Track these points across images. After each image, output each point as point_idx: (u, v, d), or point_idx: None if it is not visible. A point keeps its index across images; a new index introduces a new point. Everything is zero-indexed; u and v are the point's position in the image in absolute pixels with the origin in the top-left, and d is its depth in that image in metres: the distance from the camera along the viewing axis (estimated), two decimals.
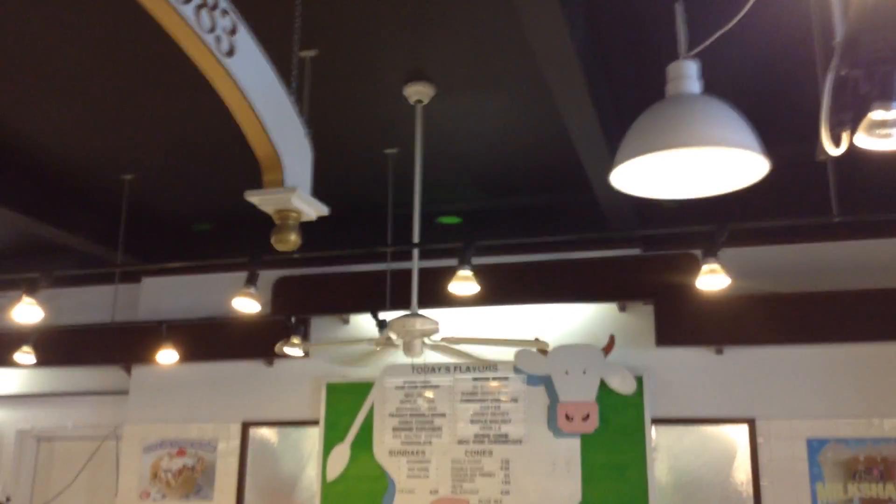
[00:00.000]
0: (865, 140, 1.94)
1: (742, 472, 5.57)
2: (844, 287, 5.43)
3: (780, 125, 4.39)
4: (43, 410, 7.24)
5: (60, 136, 5.25)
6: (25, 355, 5.98)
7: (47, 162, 5.60)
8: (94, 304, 6.89)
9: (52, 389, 7.24)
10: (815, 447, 5.45)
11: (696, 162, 2.25)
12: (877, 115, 1.88)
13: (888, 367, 5.42)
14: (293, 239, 2.78)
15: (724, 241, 3.95)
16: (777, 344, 5.56)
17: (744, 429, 5.61)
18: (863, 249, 5.56)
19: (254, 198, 2.74)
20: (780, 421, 5.53)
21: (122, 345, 6.67)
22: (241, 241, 6.52)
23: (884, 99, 1.87)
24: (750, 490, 5.51)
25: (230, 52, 2.47)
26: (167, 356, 5.90)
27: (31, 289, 4.55)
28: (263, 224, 3.83)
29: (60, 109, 4.86)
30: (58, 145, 5.38)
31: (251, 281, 4.49)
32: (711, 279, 4.14)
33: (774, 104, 4.43)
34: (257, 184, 2.81)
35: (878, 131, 1.90)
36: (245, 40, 2.57)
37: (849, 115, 2.02)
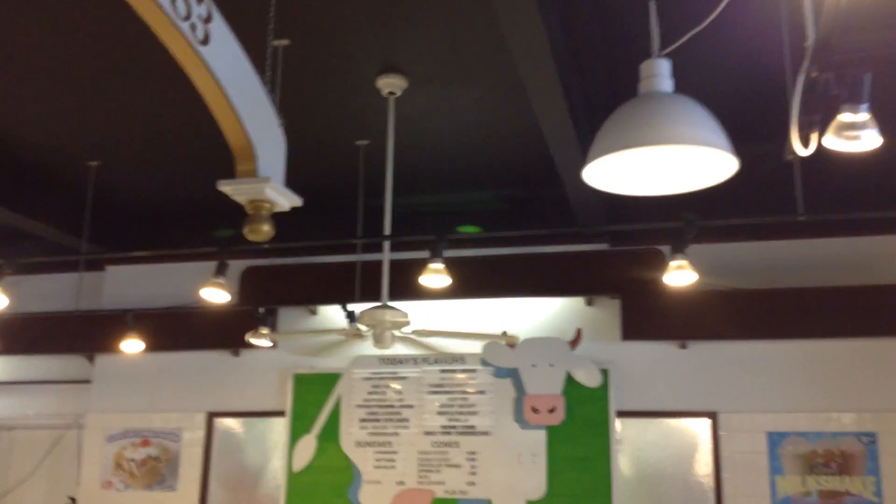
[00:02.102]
0: (834, 142, 1.99)
1: (704, 464, 5.66)
2: (806, 284, 5.54)
3: (749, 124, 4.46)
4: (4, 399, 7.13)
5: (26, 121, 5.16)
6: None
7: (12, 147, 5.50)
8: (58, 292, 6.80)
9: (14, 378, 7.13)
10: (775, 440, 5.56)
11: (667, 159, 2.29)
12: (846, 117, 1.94)
13: (847, 362, 5.54)
14: (266, 229, 2.77)
15: (692, 237, 4.01)
16: (740, 339, 5.66)
17: (706, 422, 5.69)
18: (825, 247, 5.67)
19: (227, 187, 2.73)
20: (742, 415, 5.63)
21: (86, 333, 6.58)
22: (207, 230, 6.47)
23: (853, 102, 1.92)
24: (711, 482, 5.61)
25: (205, 41, 2.45)
26: (132, 345, 5.84)
27: None
28: (231, 213, 3.82)
29: (27, 94, 4.78)
30: (23, 130, 5.29)
31: (220, 271, 4.46)
32: (679, 275, 4.20)
33: (744, 104, 4.50)
34: (225, 173, 2.79)
35: (846, 133, 1.95)
36: (220, 29, 2.55)
37: (818, 117, 2.07)
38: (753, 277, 5.66)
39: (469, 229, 5.88)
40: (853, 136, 1.93)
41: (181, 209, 6.58)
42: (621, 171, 2.34)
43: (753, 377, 5.67)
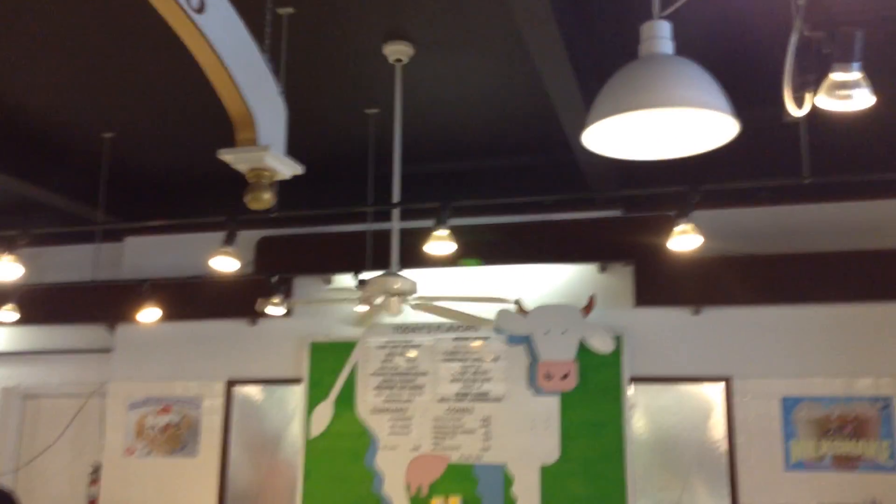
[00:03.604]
0: (826, 101, 1.96)
1: (718, 429, 5.67)
2: (818, 249, 5.49)
3: (757, 87, 4.39)
4: (28, 368, 7.28)
5: (40, 93, 5.20)
6: (8, 312, 5.98)
7: (27, 120, 5.56)
8: (78, 262, 6.89)
9: (37, 347, 7.27)
10: (789, 405, 5.55)
11: (667, 123, 2.27)
12: (837, 76, 1.91)
13: (861, 327, 5.50)
14: (267, 198, 2.79)
15: (697, 202, 3.98)
16: (753, 304, 5.63)
17: (720, 387, 5.70)
18: (836, 212, 5.61)
19: (227, 156, 2.75)
20: (756, 380, 5.62)
21: (106, 303, 6.69)
22: (224, 199, 6.52)
23: (845, 60, 1.89)
24: (725, 447, 5.62)
25: (200, 9, 2.46)
26: (150, 315, 5.92)
27: (9, 246, 4.56)
28: (245, 182, 3.84)
29: (41, 67, 4.82)
30: (38, 103, 5.34)
31: (229, 240, 4.50)
32: (684, 240, 4.17)
33: (751, 66, 4.43)
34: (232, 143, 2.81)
35: (838, 92, 1.93)
36: None
37: (812, 77, 2.04)
38: (767, 242, 5.61)
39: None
40: (845, 95, 1.90)
41: (197, 179, 6.62)
42: (622, 135, 2.32)
43: (767, 342, 5.64)
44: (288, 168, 2.87)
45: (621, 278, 5.91)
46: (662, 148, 2.35)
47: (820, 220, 5.62)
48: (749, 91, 3.88)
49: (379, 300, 4.09)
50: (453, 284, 6.09)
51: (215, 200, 6.59)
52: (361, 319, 4.52)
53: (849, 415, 5.43)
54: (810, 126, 3.84)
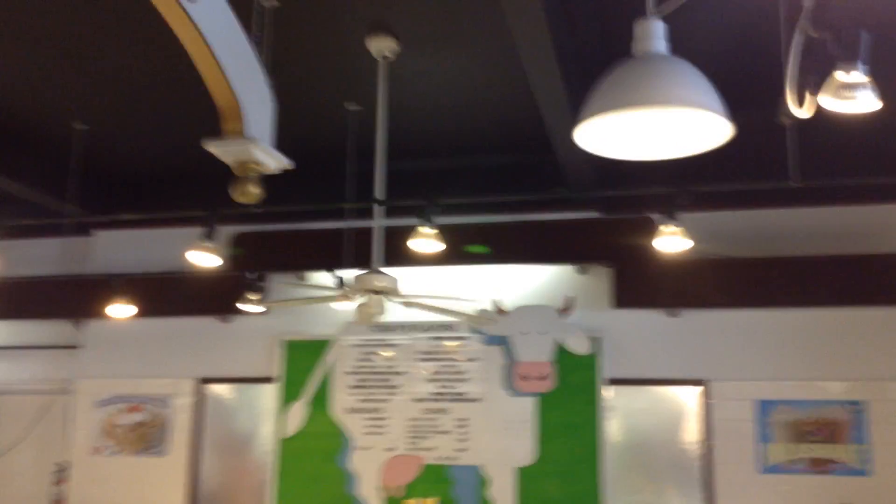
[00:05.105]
0: (830, 102, 1.96)
1: (693, 432, 5.69)
2: (797, 253, 5.53)
3: (743, 89, 4.41)
4: None
5: (9, 81, 5.08)
6: None
7: None
8: (44, 256, 6.75)
9: (1, 343, 7.09)
10: (764, 409, 5.58)
11: (660, 123, 2.25)
12: (842, 76, 1.90)
13: (837, 331, 5.55)
14: (254, 191, 2.73)
15: (685, 204, 3.98)
16: (730, 307, 5.66)
17: (696, 390, 5.72)
18: (816, 216, 5.66)
19: (213, 148, 2.68)
20: (731, 383, 5.65)
21: (73, 298, 6.54)
22: (196, 194, 6.42)
23: (850, 61, 1.88)
24: (700, 450, 5.64)
25: None
26: (120, 310, 5.80)
27: None
28: (220, 177, 3.77)
29: (11, 55, 4.70)
30: (5, 91, 5.21)
31: (209, 235, 4.41)
32: (671, 241, 4.18)
33: (738, 68, 4.45)
34: (214, 135, 2.74)
35: (843, 93, 1.92)
36: None
37: (814, 78, 2.04)
38: (745, 246, 5.65)
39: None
40: (849, 96, 1.90)
41: (170, 173, 6.52)
42: (614, 134, 2.29)
43: (743, 346, 5.68)
44: (275, 162, 2.81)
45: (600, 280, 5.91)
46: (655, 148, 2.33)
47: (800, 225, 5.66)
48: (734, 92, 3.89)
49: (363, 298, 4.02)
50: (432, 283, 6.05)
51: (188, 195, 6.50)
52: (363, 316, 4.25)
53: (823, 418, 5.48)
54: (796, 129, 3.86)
